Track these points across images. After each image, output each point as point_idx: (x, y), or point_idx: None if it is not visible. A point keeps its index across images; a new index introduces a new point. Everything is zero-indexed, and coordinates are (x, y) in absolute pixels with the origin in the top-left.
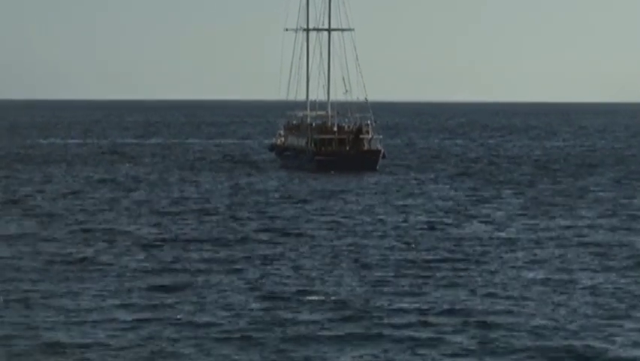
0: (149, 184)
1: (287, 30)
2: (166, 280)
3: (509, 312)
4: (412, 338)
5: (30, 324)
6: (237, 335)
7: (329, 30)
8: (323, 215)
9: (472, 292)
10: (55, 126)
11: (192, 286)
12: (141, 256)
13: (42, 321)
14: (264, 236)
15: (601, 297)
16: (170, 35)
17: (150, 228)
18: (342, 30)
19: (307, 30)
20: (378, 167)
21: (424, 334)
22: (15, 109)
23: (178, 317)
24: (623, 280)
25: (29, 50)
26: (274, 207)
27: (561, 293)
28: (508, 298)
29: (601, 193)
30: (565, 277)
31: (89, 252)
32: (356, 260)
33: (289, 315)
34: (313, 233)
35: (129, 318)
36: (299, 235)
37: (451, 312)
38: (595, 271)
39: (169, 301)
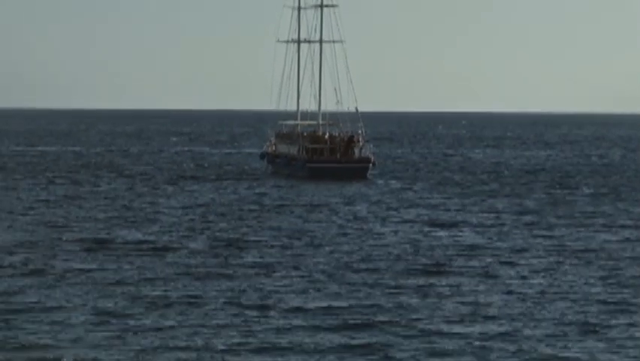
0: (137, 193)
1: (279, 41)
2: (153, 290)
3: (495, 321)
4: (400, 348)
5: (4, 338)
6: (224, 346)
7: (320, 42)
8: (313, 223)
9: (458, 300)
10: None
11: (179, 297)
12: (129, 265)
13: (17, 335)
14: (254, 244)
15: (587, 307)
16: (162, 46)
17: (140, 237)
18: (334, 42)
19: (299, 42)
20: (368, 175)
21: (413, 344)
22: None
23: (162, 327)
24: (609, 290)
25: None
26: (265, 215)
27: (547, 302)
28: (493, 307)
29: (583, 203)
30: (551, 286)
31: (69, 261)
32: (345, 269)
33: (275, 325)
34: (302, 242)
35: (110, 329)
36: (288, 243)
37: (438, 320)
38: (582, 280)
39: (156, 312)
